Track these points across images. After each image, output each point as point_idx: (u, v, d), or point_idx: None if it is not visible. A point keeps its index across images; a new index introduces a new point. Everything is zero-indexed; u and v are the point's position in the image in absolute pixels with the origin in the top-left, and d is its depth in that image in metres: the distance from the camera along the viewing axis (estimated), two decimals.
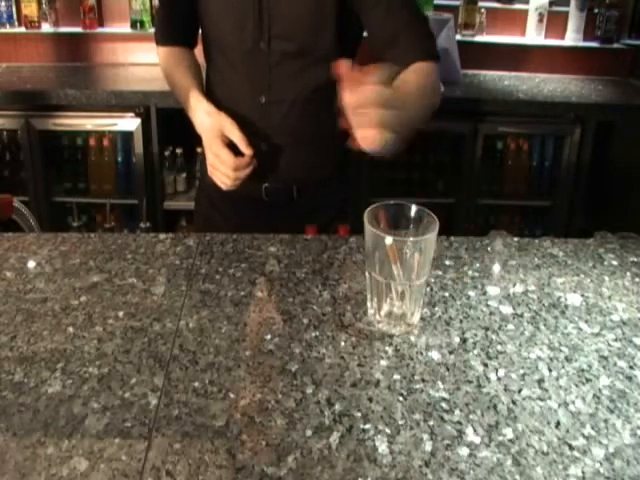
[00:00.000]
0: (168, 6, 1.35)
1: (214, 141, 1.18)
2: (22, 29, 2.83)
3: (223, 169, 1.18)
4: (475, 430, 0.66)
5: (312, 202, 1.33)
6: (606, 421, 0.68)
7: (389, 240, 0.75)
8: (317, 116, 1.25)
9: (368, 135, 0.81)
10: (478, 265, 0.99)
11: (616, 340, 0.82)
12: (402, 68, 1.12)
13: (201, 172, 1.48)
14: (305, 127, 1.26)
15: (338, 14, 1.18)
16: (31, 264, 0.96)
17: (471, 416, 0.68)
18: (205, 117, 1.21)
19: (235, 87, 1.28)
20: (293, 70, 1.22)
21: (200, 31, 1.33)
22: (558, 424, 0.68)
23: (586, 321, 0.86)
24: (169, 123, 2.45)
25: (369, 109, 0.80)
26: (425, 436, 0.65)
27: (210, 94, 1.32)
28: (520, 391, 0.72)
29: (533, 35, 2.94)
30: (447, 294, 0.91)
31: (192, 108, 1.24)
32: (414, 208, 0.82)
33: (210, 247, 1.02)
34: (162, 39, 1.36)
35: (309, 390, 0.71)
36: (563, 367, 0.76)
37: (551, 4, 2.90)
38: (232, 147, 1.18)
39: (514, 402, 0.71)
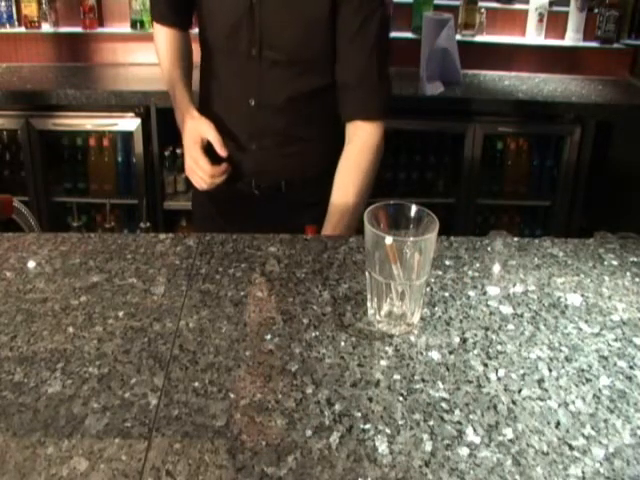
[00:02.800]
0: None
1: (193, 147, 1.25)
2: (22, 29, 2.83)
3: (200, 174, 1.25)
4: (475, 430, 0.66)
5: (301, 196, 1.36)
6: (606, 421, 0.68)
7: (389, 240, 0.75)
8: (305, 118, 1.30)
9: None
10: (478, 265, 0.99)
11: (616, 340, 0.82)
12: (347, 121, 1.25)
13: None
14: (293, 129, 1.30)
15: (327, 29, 1.21)
16: (31, 264, 0.96)
17: (471, 416, 0.68)
18: (188, 121, 1.27)
19: (227, 88, 1.31)
20: (283, 77, 1.25)
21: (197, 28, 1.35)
22: (558, 424, 0.68)
23: (586, 321, 0.86)
24: (169, 123, 2.42)
25: None
26: (425, 436, 0.65)
27: (203, 89, 1.37)
28: (520, 391, 0.72)
29: (533, 35, 2.94)
30: (447, 294, 0.91)
31: (180, 111, 1.31)
32: (414, 208, 0.82)
33: (210, 247, 1.02)
34: (160, 18, 1.39)
35: (309, 390, 0.71)
36: (563, 367, 0.76)
37: (551, 4, 2.89)
38: (211, 146, 1.24)
39: (514, 402, 0.71)
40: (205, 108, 1.34)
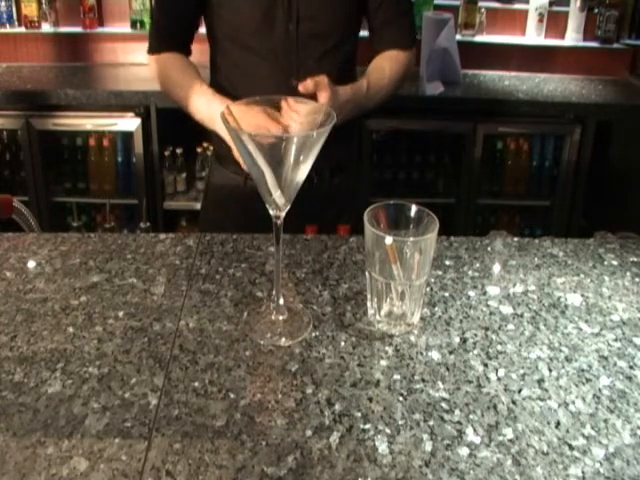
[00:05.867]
0: (169, 10, 1.33)
1: (259, 115, 1.06)
2: (22, 29, 2.83)
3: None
4: (475, 430, 0.66)
5: (329, 187, 1.38)
6: (606, 421, 0.68)
7: (389, 240, 0.75)
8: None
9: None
10: (478, 265, 0.99)
11: (616, 340, 0.82)
12: (383, 50, 1.36)
13: (210, 171, 1.48)
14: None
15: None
16: (31, 264, 0.96)
17: (471, 416, 0.68)
18: (233, 107, 1.20)
19: (261, 74, 1.29)
20: (319, 52, 1.28)
21: (208, 34, 1.33)
22: (558, 424, 0.68)
23: (586, 321, 0.86)
24: (169, 123, 2.45)
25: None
26: (425, 436, 0.65)
27: (224, 85, 1.32)
28: (520, 391, 0.72)
29: (533, 35, 2.94)
30: (447, 294, 0.91)
31: (206, 103, 1.23)
32: (414, 208, 0.82)
33: (210, 247, 1.02)
34: (157, 46, 1.34)
35: (309, 390, 0.71)
36: (563, 367, 0.76)
37: (551, 4, 2.90)
38: None
39: (514, 402, 0.71)
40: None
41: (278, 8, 1.23)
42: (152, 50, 1.35)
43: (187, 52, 1.36)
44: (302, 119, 0.96)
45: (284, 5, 1.23)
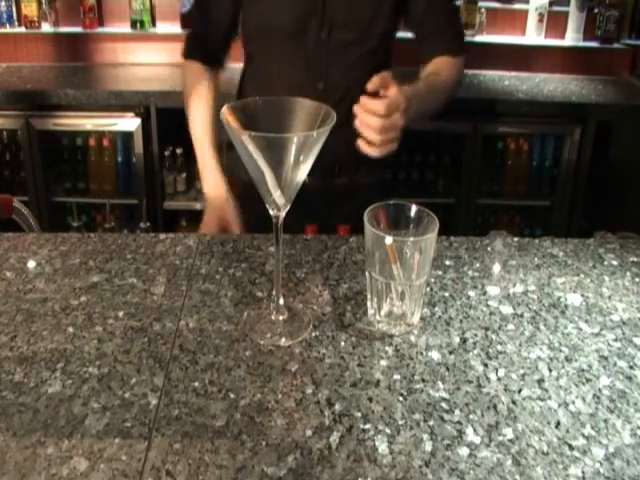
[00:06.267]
0: (204, 16, 1.33)
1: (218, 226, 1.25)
2: (22, 29, 2.83)
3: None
4: (475, 430, 0.66)
5: (350, 181, 1.38)
6: (606, 421, 0.68)
7: (389, 240, 0.75)
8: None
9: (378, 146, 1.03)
10: (478, 265, 0.99)
11: (616, 340, 0.82)
12: (434, 58, 1.33)
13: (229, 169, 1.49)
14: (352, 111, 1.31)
15: (393, 4, 1.27)
16: (31, 264, 0.96)
17: (471, 416, 0.68)
18: (214, 199, 1.29)
19: (290, 78, 1.30)
20: (350, 58, 1.27)
21: (242, 36, 1.34)
22: (558, 424, 0.68)
23: (586, 321, 0.86)
24: (169, 123, 2.45)
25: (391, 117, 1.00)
26: (425, 436, 0.65)
27: (254, 90, 1.34)
28: (520, 391, 0.72)
29: (533, 35, 2.94)
30: (447, 294, 0.91)
31: (206, 171, 1.31)
32: (414, 208, 0.82)
33: (210, 247, 1.02)
34: (189, 52, 1.35)
35: (309, 390, 0.71)
36: (563, 367, 0.76)
37: (551, 4, 2.89)
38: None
39: (514, 402, 0.71)
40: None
41: (312, 15, 1.23)
42: (184, 55, 1.36)
43: (219, 64, 1.36)
44: (384, 121, 0.99)
45: (318, 13, 1.22)
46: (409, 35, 1.41)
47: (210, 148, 1.30)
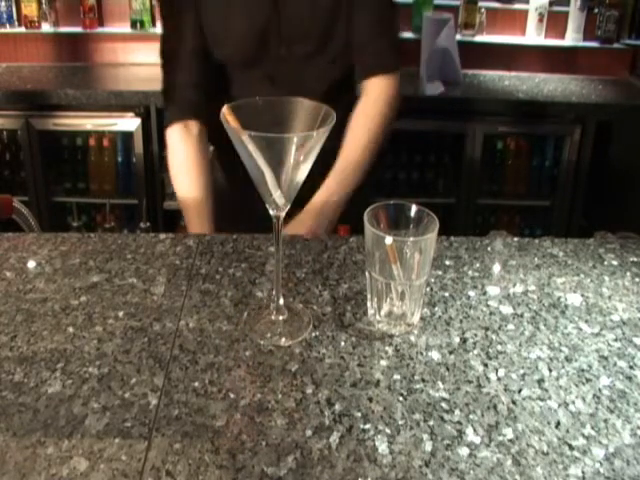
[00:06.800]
0: (175, 65, 1.28)
1: None
2: (22, 29, 2.83)
3: None
4: (475, 430, 0.66)
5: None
6: (606, 421, 0.68)
7: (389, 240, 0.75)
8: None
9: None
10: (478, 265, 0.99)
11: (616, 340, 0.82)
12: (367, 76, 1.27)
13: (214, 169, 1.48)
14: None
15: (348, 14, 1.24)
16: (31, 264, 0.96)
17: (471, 416, 0.68)
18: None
19: (259, 94, 1.28)
20: (313, 70, 1.26)
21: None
22: (558, 424, 0.68)
23: (586, 321, 0.86)
24: None
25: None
26: (425, 436, 0.65)
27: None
28: (520, 391, 0.72)
29: (533, 35, 2.94)
30: (447, 294, 0.91)
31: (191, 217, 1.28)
32: (414, 208, 0.82)
33: (210, 247, 1.02)
34: (169, 118, 1.29)
35: (309, 390, 0.71)
36: (563, 367, 0.76)
37: (551, 4, 2.90)
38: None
39: (514, 402, 0.71)
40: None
41: (269, 33, 1.22)
42: (172, 120, 1.29)
43: (204, 118, 1.29)
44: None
45: (274, 30, 1.22)
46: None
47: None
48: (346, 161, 1.23)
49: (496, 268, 0.98)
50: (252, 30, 1.23)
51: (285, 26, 1.21)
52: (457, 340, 0.81)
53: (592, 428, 0.67)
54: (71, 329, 0.81)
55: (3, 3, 2.78)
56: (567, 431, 0.67)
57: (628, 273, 0.98)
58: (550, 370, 0.76)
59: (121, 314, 0.84)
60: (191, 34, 1.24)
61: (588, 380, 0.74)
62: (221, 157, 1.40)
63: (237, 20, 1.23)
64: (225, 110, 0.73)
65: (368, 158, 1.26)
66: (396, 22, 1.33)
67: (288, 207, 0.78)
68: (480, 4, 2.89)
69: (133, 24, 2.82)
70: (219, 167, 1.42)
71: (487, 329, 0.83)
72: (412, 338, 0.81)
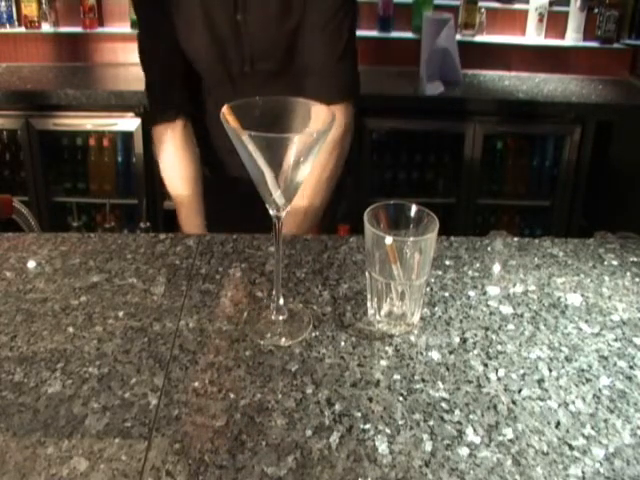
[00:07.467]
0: (166, 71, 1.28)
1: None
2: (22, 29, 2.83)
3: None
4: (475, 430, 0.66)
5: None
6: (606, 421, 0.68)
7: (389, 240, 0.75)
8: None
9: None
10: (478, 265, 0.99)
11: (616, 340, 0.82)
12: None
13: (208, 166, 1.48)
14: None
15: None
16: (31, 264, 0.96)
17: (471, 416, 0.68)
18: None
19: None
20: (279, 87, 1.23)
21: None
22: (558, 424, 0.68)
23: (586, 321, 0.86)
24: None
25: None
26: (425, 436, 0.65)
27: (202, 119, 1.34)
28: (520, 391, 0.72)
29: (533, 35, 2.94)
30: (447, 294, 0.91)
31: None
32: (414, 208, 0.82)
33: (210, 247, 1.02)
34: (153, 119, 1.30)
35: (309, 390, 0.71)
36: (563, 367, 0.76)
37: (551, 4, 2.90)
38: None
39: (514, 402, 0.71)
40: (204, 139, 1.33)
41: (230, 50, 1.22)
42: (156, 120, 1.29)
43: (188, 113, 1.30)
44: None
45: (234, 47, 1.21)
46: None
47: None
48: (298, 210, 1.21)
49: (496, 268, 0.98)
50: (213, 46, 1.22)
51: (247, 45, 1.21)
52: (457, 340, 0.81)
53: (592, 428, 0.67)
54: (71, 329, 0.81)
55: (3, 3, 2.78)
56: (567, 431, 0.67)
57: (628, 273, 0.98)
58: (550, 370, 0.76)
59: (121, 314, 0.84)
60: (167, 33, 1.24)
61: (588, 380, 0.74)
62: (202, 152, 1.40)
63: (198, 34, 1.22)
64: (225, 110, 0.73)
65: (320, 206, 1.25)
66: (352, 50, 1.25)
67: (288, 207, 0.78)
68: (480, 4, 2.89)
69: (133, 24, 2.82)
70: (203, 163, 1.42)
71: (487, 329, 0.83)
72: (412, 338, 0.81)
